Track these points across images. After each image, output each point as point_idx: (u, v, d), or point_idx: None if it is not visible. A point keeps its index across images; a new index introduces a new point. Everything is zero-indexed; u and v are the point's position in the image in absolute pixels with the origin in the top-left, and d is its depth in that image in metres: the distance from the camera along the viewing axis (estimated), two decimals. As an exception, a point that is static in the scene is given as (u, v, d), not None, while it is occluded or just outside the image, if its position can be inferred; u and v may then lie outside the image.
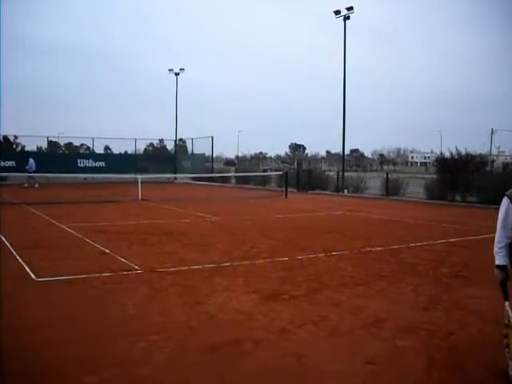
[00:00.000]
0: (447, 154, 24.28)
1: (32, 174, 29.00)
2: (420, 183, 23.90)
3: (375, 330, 5.05)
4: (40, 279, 6.88)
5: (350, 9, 30.64)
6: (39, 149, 42.22)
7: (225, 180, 37.47)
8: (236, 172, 42.62)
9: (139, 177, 23.43)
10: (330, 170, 46.76)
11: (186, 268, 7.64)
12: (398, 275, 7.45)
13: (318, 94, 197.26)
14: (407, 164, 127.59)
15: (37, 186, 28.43)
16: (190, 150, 46.09)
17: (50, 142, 41.76)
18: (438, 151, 51.20)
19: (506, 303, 4.01)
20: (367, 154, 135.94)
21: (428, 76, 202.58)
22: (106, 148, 50.99)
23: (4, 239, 9.92)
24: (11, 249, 9.01)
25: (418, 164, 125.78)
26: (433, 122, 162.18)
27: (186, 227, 12.59)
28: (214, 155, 44.10)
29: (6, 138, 41.68)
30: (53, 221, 13.42)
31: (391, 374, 4.03)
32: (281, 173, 30.78)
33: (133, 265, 7.80)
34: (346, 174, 30.18)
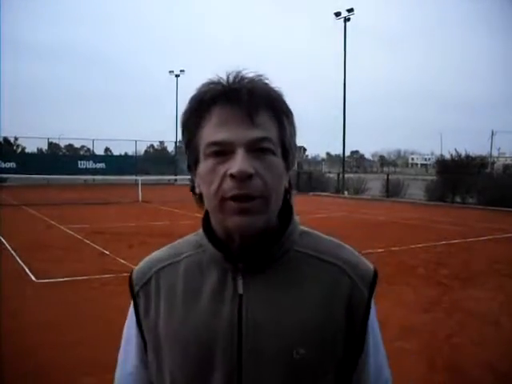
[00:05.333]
0: (448, 156, 24.34)
1: None
2: (420, 185, 23.89)
3: (375, 331, 5.04)
4: (39, 280, 6.88)
5: (350, 10, 30.69)
6: (39, 150, 42.26)
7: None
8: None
9: (139, 178, 23.45)
10: (330, 172, 46.73)
11: (186, 269, 7.64)
12: (398, 277, 7.44)
13: (318, 95, 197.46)
14: (407, 166, 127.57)
15: None
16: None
17: (50, 144, 41.81)
18: (438, 153, 51.24)
19: None
20: (367, 155, 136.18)
21: (429, 77, 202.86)
22: (107, 149, 51.06)
23: (4, 240, 9.92)
24: (11, 250, 9.00)
25: (419, 166, 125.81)
26: (433, 123, 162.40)
27: (187, 229, 12.43)
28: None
29: (6, 139, 41.63)
30: (53, 222, 13.42)
31: (392, 376, 4.02)
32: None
33: (133, 266, 7.76)
34: (346, 175, 30.19)
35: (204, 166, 0.87)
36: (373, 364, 0.97)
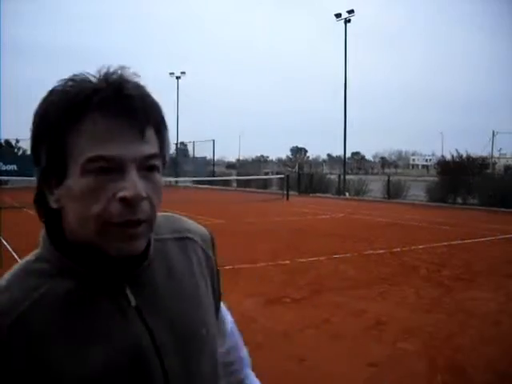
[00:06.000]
0: (449, 157, 24.35)
1: None
2: (421, 186, 23.88)
3: (377, 332, 5.04)
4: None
5: (350, 12, 30.74)
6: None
7: (226, 183, 37.47)
8: (237, 175, 42.64)
9: (140, 180, 23.39)
10: (331, 173, 46.73)
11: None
12: (399, 278, 7.44)
13: (320, 96, 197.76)
14: (409, 167, 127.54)
15: None
16: (191, 153, 46.17)
17: (51, 146, 41.75)
18: (439, 154, 51.15)
19: None
20: (368, 156, 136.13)
21: (429, 78, 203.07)
22: (108, 151, 51.10)
23: (5, 242, 9.93)
24: (13, 252, 9.01)
25: (420, 167, 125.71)
26: (434, 124, 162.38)
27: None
28: (215, 158, 44.22)
29: (7, 141, 41.67)
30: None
31: (393, 377, 4.02)
32: (282, 176, 30.79)
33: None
34: (347, 177, 30.20)
35: (83, 182, 0.72)
36: (226, 312, 1.12)
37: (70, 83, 0.74)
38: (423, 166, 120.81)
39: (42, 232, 0.81)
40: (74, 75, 0.75)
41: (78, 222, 0.74)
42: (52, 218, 0.79)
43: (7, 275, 0.78)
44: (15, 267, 0.79)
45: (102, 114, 0.72)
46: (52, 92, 0.75)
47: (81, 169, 0.72)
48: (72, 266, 0.77)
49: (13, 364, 0.70)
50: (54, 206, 0.77)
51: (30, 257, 0.81)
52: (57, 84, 0.75)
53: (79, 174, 0.72)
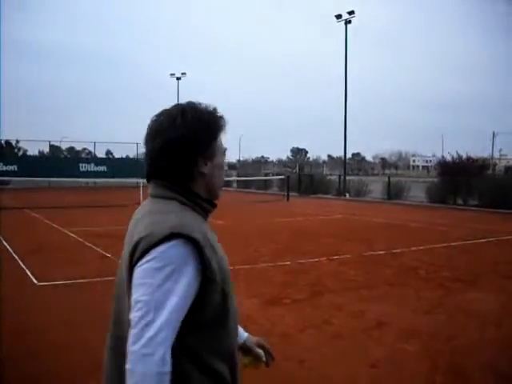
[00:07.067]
0: (449, 158, 24.33)
1: None
2: (422, 187, 23.88)
3: (377, 333, 5.04)
4: (41, 283, 6.88)
5: (351, 13, 30.73)
6: (41, 153, 42.32)
7: (226, 184, 37.43)
8: (238, 176, 42.60)
9: (141, 181, 23.43)
10: (331, 174, 46.63)
11: (188, 272, 7.63)
12: (399, 279, 7.44)
13: (320, 97, 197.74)
14: (409, 168, 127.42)
15: None
16: (191, 154, 46.08)
17: (51, 147, 41.83)
18: (439, 154, 51.16)
19: None
20: (369, 157, 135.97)
21: (430, 79, 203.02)
22: (108, 152, 51.11)
23: (6, 243, 9.94)
24: (13, 253, 9.02)
25: (420, 168, 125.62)
26: (434, 125, 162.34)
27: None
28: (215, 159, 44.09)
29: (7, 142, 41.69)
30: (54, 225, 13.43)
31: (393, 378, 4.02)
32: (282, 177, 30.78)
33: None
34: (347, 177, 30.17)
35: (222, 160, 1.48)
36: None
37: (216, 108, 1.49)
38: (423, 167, 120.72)
39: (178, 193, 1.40)
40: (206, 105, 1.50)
41: (217, 180, 1.48)
42: (185, 185, 1.42)
43: (178, 216, 1.33)
44: (177, 213, 1.35)
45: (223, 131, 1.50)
46: (202, 115, 1.45)
47: (222, 153, 1.49)
48: (202, 208, 1.44)
49: (208, 263, 1.31)
50: (205, 171, 1.43)
51: (177, 208, 1.37)
52: (201, 111, 1.45)
53: (221, 155, 1.48)
